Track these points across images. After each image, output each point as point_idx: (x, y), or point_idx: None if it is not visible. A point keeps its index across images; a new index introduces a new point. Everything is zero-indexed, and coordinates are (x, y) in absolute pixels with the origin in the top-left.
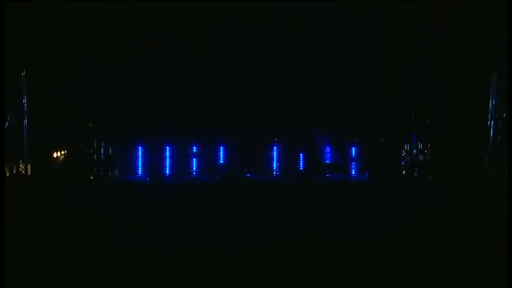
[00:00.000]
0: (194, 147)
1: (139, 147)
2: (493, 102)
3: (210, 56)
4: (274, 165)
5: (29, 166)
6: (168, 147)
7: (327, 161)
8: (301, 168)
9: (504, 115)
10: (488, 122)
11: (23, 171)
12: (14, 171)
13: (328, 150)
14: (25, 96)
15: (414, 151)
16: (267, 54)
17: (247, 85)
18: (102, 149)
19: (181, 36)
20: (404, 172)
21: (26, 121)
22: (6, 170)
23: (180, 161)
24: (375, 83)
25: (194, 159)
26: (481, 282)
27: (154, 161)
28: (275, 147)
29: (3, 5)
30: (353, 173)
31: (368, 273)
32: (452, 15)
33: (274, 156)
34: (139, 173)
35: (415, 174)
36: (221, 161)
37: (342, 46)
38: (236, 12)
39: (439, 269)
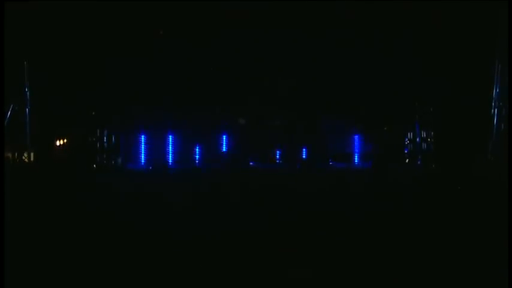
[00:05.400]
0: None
1: (142, 136)
2: (497, 91)
3: (214, 46)
4: (277, 154)
5: (32, 155)
6: (171, 136)
7: (331, 150)
8: (304, 157)
9: (508, 103)
10: (492, 111)
11: (26, 160)
12: (17, 160)
13: (332, 139)
14: (27, 85)
15: (417, 139)
16: (270, 46)
17: (251, 76)
18: (105, 138)
19: (184, 27)
20: (407, 160)
21: (28, 109)
22: (10, 158)
23: (183, 149)
24: (379, 72)
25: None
26: (481, 272)
27: (157, 149)
28: (278, 137)
29: None
30: (356, 161)
31: (370, 261)
32: (456, 2)
33: (278, 145)
34: (142, 161)
35: (418, 162)
36: (224, 150)
37: (344, 37)
38: (239, 9)
39: (440, 257)
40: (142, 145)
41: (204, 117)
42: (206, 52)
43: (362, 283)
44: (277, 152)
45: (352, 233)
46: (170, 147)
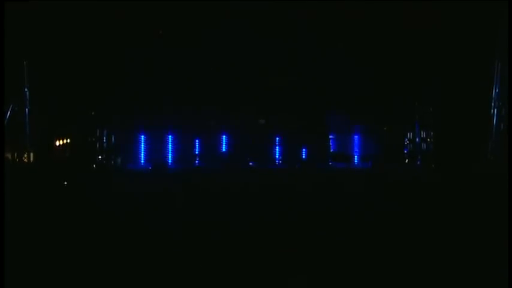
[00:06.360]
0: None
1: (142, 136)
2: (497, 91)
3: (213, 45)
4: (277, 154)
5: (31, 155)
6: (170, 136)
7: (330, 150)
8: (304, 157)
9: (507, 103)
10: (491, 111)
11: (26, 160)
12: (17, 160)
13: (332, 139)
14: (27, 85)
15: (417, 139)
16: (270, 46)
17: (250, 75)
18: (104, 138)
19: (183, 26)
20: (407, 161)
21: (28, 109)
22: (9, 158)
23: (183, 149)
24: (378, 72)
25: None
26: (481, 271)
27: (156, 149)
28: (278, 136)
29: None
30: (356, 161)
31: (370, 261)
32: (456, 2)
33: (277, 145)
34: (142, 161)
35: (418, 162)
36: (224, 150)
37: (344, 37)
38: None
39: (440, 257)
40: (142, 145)
41: (204, 117)
42: (206, 52)
43: (362, 283)
44: (277, 151)
45: (352, 233)
46: (170, 147)
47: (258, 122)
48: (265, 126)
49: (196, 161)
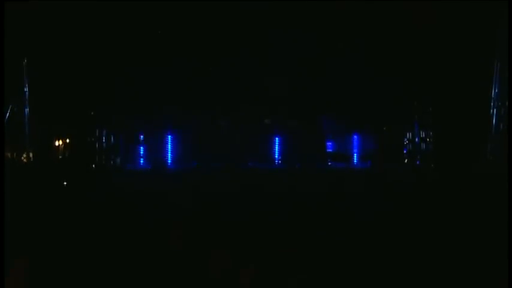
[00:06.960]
0: None
1: (141, 136)
2: (496, 90)
3: (213, 45)
4: (276, 154)
5: (30, 155)
6: (169, 136)
7: (329, 150)
8: (302, 157)
9: (507, 103)
10: (491, 110)
11: (25, 160)
12: (16, 160)
13: (331, 139)
14: (26, 85)
15: (416, 139)
16: (268, 45)
17: (248, 75)
18: (104, 138)
19: (183, 27)
20: (406, 160)
21: (27, 110)
22: (9, 158)
23: (183, 149)
24: (377, 71)
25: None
26: (481, 271)
27: (156, 149)
28: (277, 136)
29: None
30: (355, 161)
31: (369, 260)
32: (456, 2)
33: (276, 145)
34: (141, 161)
35: (417, 162)
36: (223, 150)
37: (343, 36)
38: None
39: (439, 257)
40: (142, 145)
41: (204, 117)
42: (205, 52)
43: (362, 283)
44: (277, 151)
45: (352, 232)
46: (170, 147)
47: (264, 121)
48: (269, 126)
49: (196, 161)
